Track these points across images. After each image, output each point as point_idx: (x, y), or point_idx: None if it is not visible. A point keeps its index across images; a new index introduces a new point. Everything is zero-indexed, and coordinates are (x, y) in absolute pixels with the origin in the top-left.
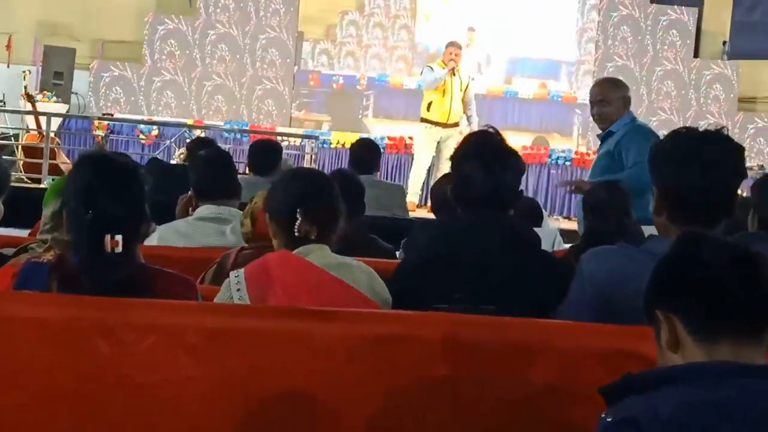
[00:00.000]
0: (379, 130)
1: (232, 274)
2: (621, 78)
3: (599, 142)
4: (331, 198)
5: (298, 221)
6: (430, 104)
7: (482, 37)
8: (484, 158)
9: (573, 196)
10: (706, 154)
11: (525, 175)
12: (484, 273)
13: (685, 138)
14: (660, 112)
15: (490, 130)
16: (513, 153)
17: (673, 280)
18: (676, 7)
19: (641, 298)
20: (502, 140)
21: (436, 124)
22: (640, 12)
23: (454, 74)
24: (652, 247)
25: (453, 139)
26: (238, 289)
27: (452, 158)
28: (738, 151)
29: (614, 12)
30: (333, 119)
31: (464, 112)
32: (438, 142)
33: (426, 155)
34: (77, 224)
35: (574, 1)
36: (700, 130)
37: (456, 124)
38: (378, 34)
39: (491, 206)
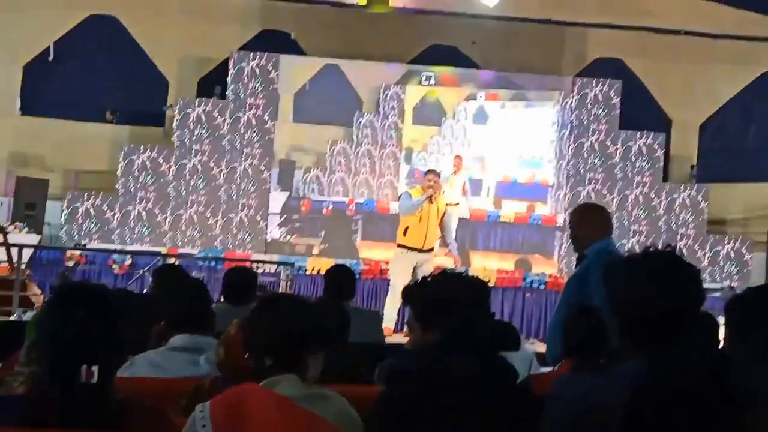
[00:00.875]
0: (369, 253)
1: (198, 407)
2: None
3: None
4: (303, 326)
5: (262, 352)
6: (406, 229)
7: (471, 161)
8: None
9: (548, 318)
10: (672, 277)
11: (500, 298)
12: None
13: (651, 259)
14: (633, 234)
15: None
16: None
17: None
18: (644, 132)
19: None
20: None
21: (412, 249)
22: (609, 138)
23: (431, 201)
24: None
25: (429, 263)
26: (204, 425)
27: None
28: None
29: (584, 138)
30: (324, 243)
31: (441, 238)
32: (414, 267)
33: (402, 280)
34: (51, 356)
35: (552, 127)
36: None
37: (431, 249)
38: (366, 161)
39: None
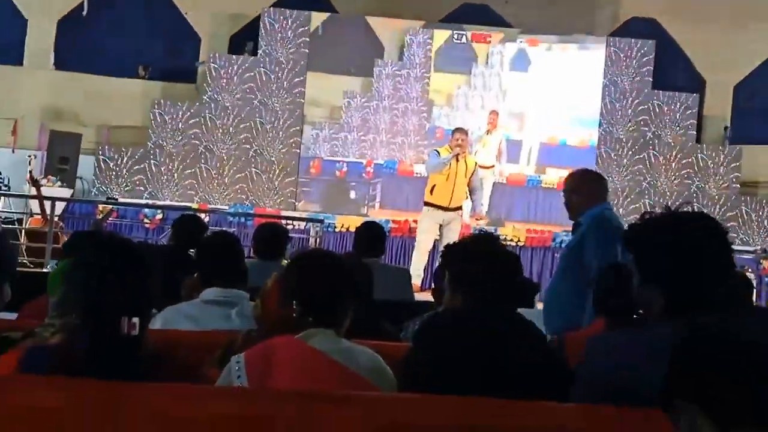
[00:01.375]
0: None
1: (233, 359)
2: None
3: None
4: (334, 283)
5: (299, 305)
6: (433, 187)
7: (507, 118)
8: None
9: None
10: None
11: (530, 258)
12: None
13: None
14: (665, 196)
15: (489, 233)
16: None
17: (696, 370)
18: (678, 93)
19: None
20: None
21: (438, 207)
22: (642, 98)
23: (458, 160)
24: (658, 333)
25: (456, 222)
26: (239, 376)
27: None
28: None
29: (617, 99)
30: (332, 212)
31: (470, 197)
32: (441, 225)
33: (428, 238)
34: (85, 306)
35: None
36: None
37: (458, 208)
38: (386, 117)
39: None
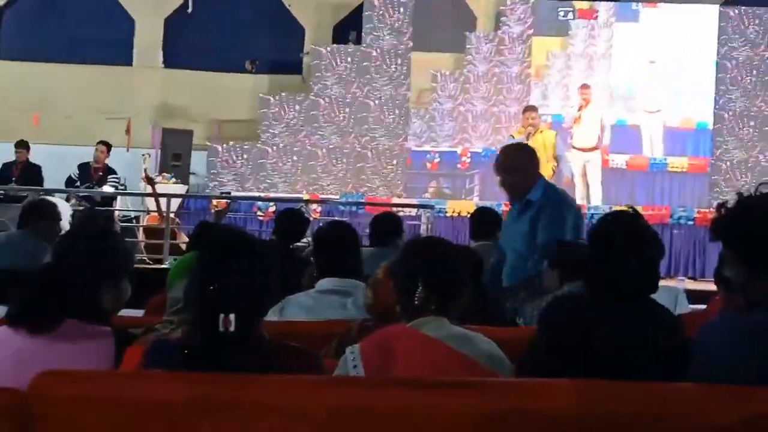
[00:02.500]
0: None
1: (348, 349)
2: None
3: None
4: (453, 268)
5: (419, 290)
6: None
7: (607, 96)
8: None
9: (697, 255)
10: None
11: None
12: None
13: None
14: None
15: (630, 211)
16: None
17: None
18: None
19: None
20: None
21: None
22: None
23: (528, 138)
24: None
25: None
26: (354, 366)
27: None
28: None
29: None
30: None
31: (557, 166)
32: None
33: None
34: (196, 304)
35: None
36: None
37: None
38: (483, 97)
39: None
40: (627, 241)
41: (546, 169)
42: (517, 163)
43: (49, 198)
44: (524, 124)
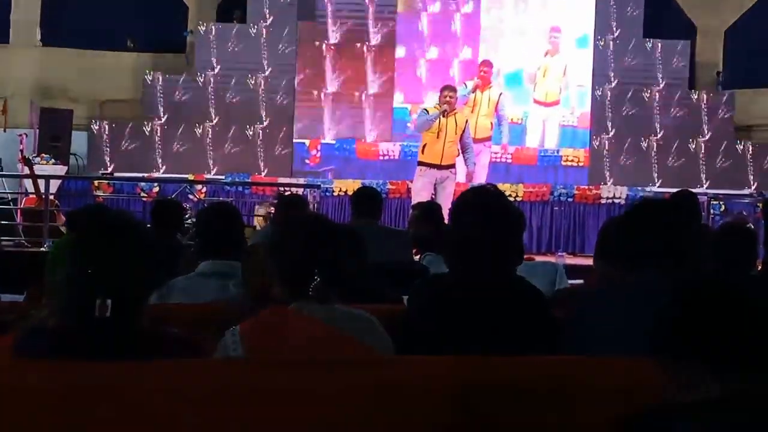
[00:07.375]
0: None
1: (228, 332)
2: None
3: None
4: (338, 250)
5: (316, 281)
6: (424, 146)
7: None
8: (488, 218)
9: (577, 232)
10: None
11: (528, 212)
12: (491, 328)
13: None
14: (659, 145)
15: (490, 187)
16: (516, 212)
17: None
18: (669, 40)
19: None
20: (504, 198)
21: (431, 165)
22: (632, 46)
23: (445, 116)
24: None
25: (450, 181)
26: (235, 349)
27: (452, 213)
28: None
29: (606, 47)
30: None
31: (462, 154)
32: (434, 184)
33: (423, 197)
34: (72, 288)
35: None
36: None
37: (451, 166)
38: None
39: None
40: (476, 218)
41: (453, 149)
42: None
43: None
44: (440, 102)
